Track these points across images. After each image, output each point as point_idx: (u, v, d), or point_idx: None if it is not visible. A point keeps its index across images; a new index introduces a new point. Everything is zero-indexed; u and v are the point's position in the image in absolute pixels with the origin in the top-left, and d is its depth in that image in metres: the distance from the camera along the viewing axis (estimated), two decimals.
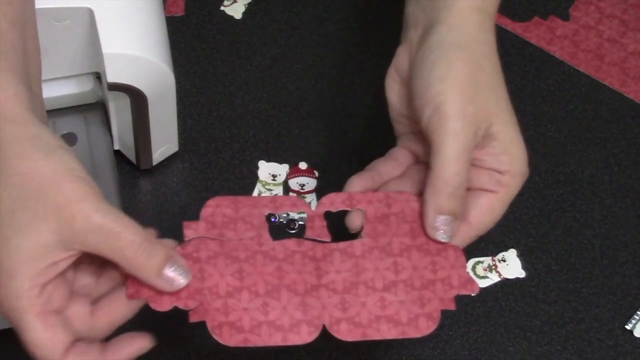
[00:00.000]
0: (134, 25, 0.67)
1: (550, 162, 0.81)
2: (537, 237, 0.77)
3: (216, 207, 0.55)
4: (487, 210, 0.60)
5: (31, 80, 0.53)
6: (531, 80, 0.85)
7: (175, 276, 0.52)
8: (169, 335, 0.71)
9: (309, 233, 0.56)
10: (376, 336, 0.54)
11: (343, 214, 0.58)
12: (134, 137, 0.73)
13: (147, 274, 0.52)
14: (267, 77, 0.83)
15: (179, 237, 0.76)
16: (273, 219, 0.76)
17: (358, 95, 0.83)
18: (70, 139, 0.74)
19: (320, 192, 0.78)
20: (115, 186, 0.72)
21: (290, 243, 0.55)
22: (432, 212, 0.57)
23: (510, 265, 0.76)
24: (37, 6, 0.63)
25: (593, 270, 0.76)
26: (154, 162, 0.77)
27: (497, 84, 0.60)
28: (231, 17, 0.86)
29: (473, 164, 0.59)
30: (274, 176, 0.78)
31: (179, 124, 0.76)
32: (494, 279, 0.75)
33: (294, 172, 0.78)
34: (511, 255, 0.76)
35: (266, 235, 0.55)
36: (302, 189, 0.78)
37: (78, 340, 0.52)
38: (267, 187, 0.78)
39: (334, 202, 0.56)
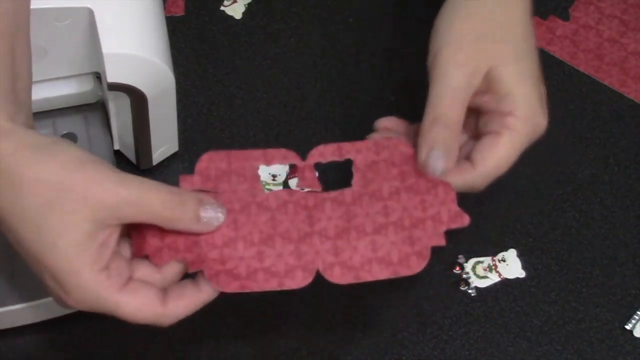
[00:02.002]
0: (134, 25, 0.67)
1: (550, 162, 0.81)
2: (537, 237, 0.77)
3: (210, 161, 0.57)
4: (488, 151, 0.60)
5: (18, 90, 0.53)
6: None
7: (212, 214, 0.54)
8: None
9: (300, 184, 0.57)
10: (369, 277, 0.56)
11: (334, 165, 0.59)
12: (134, 137, 0.73)
13: (187, 223, 0.53)
14: (267, 77, 0.83)
15: None
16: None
17: (358, 95, 0.83)
18: (70, 139, 0.74)
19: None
20: None
21: (283, 193, 0.56)
22: (424, 145, 0.58)
23: (510, 265, 0.76)
24: (37, 6, 0.63)
25: (593, 270, 0.76)
26: (154, 162, 0.77)
27: (507, 31, 0.62)
28: (231, 17, 0.86)
29: (480, 109, 0.60)
30: (274, 176, 0.78)
31: (179, 124, 0.76)
32: (494, 279, 0.75)
33: (294, 172, 0.78)
34: (511, 255, 0.76)
35: (259, 186, 0.56)
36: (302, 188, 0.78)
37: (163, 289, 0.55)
38: (267, 187, 0.78)
39: (324, 153, 0.57)
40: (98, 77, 0.73)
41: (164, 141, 0.76)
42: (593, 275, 0.76)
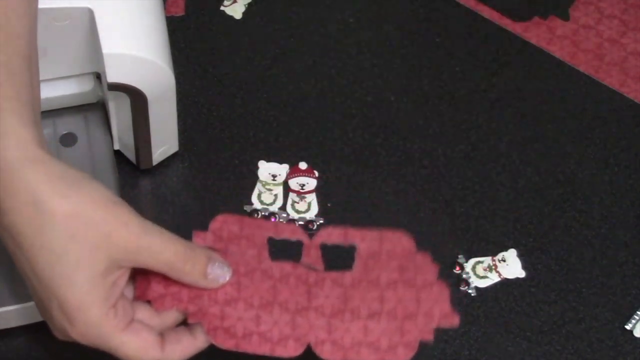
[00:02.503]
0: (134, 25, 0.67)
1: (550, 162, 0.81)
2: (537, 237, 0.77)
3: (223, 223, 0.59)
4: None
5: (36, 112, 0.54)
6: (531, 80, 0.85)
7: (218, 272, 0.56)
8: None
9: (304, 260, 0.59)
10: (356, 359, 0.58)
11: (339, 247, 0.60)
12: (134, 137, 0.73)
13: (194, 277, 0.56)
14: (267, 77, 0.83)
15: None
16: (274, 219, 0.76)
17: (358, 95, 0.83)
18: (70, 139, 0.74)
19: (320, 192, 0.78)
20: (115, 186, 0.72)
21: (287, 266, 0.58)
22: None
23: (510, 265, 0.76)
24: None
25: (593, 270, 0.76)
26: (154, 162, 0.77)
27: None
28: (231, 17, 0.86)
29: None
30: (274, 176, 0.78)
31: (179, 124, 0.76)
32: (494, 279, 0.75)
33: (294, 172, 0.78)
34: (511, 255, 0.76)
35: (266, 254, 0.58)
36: (302, 188, 0.78)
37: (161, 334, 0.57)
38: (267, 187, 0.78)
39: (330, 236, 0.59)
40: (98, 77, 0.73)
41: (164, 141, 0.76)
42: (593, 275, 0.76)
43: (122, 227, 0.52)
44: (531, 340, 0.73)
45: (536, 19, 0.89)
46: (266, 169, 0.78)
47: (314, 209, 0.77)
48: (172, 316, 0.57)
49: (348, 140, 0.81)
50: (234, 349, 0.57)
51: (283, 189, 0.78)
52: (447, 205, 0.78)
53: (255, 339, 0.57)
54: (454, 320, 0.59)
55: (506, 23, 0.88)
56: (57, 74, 0.71)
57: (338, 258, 0.60)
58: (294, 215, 0.77)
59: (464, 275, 0.75)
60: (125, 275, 0.54)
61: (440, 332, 0.73)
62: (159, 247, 0.54)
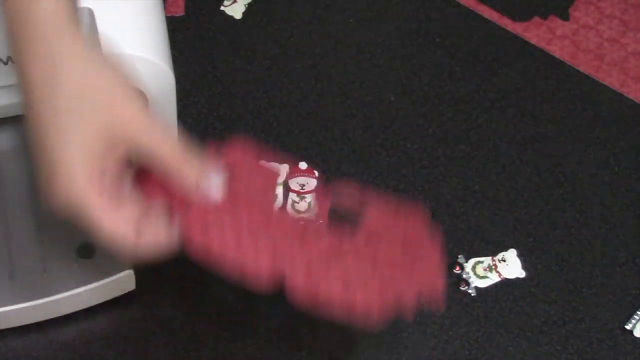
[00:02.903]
0: (134, 25, 0.67)
1: (550, 162, 0.81)
2: (537, 237, 0.77)
3: (243, 149, 0.58)
4: None
5: None
6: (531, 80, 0.85)
7: (211, 186, 0.55)
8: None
9: (311, 209, 0.57)
10: (324, 294, 0.56)
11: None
12: None
13: (188, 181, 0.55)
14: (267, 77, 0.83)
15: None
16: None
17: (358, 95, 0.83)
18: None
19: (320, 192, 0.78)
20: None
21: (290, 213, 0.57)
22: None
23: (510, 265, 0.76)
24: None
25: (593, 270, 0.76)
26: None
27: None
28: (231, 17, 0.86)
29: None
30: None
31: (179, 124, 0.76)
32: (494, 279, 0.75)
33: (294, 172, 0.78)
34: (511, 255, 0.76)
35: (272, 196, 0.57)
36: (302, 189, 0.78)
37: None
38: None
39: (347, 189, 0.59)
40: None
41: None
42: (593, 275, 0.76)
43: (128, 101, 0.53)
44: (531, 340, 0.73)
45: (536, 18, 0.89)
46: None
47: (314, 208, 0.77)
48: (156, 210, 0.56)
49: (348, 140, 0.81)
50: (202, 252, 0.55)
51: (283, 189, 0.78)
52: (447, 205, 0.78)
53: (230, 249, 0.55)
54: (439, 297, 0.57)
55: (506, 23, 0.88)
56: None
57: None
58: (294, 215, 0.77)
59: (464, 275, 0.75)
60: (119, 154, 0.53)
61: (440, 332, 0.73)
62: (158, 136, 0.54)
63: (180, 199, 0.55)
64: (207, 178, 0.55)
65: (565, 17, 0.89)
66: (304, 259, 0.56)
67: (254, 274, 0.55)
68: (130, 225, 0.54)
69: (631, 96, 0.85)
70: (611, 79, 0.86)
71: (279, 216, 0.57)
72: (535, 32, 0.88)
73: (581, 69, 0.86)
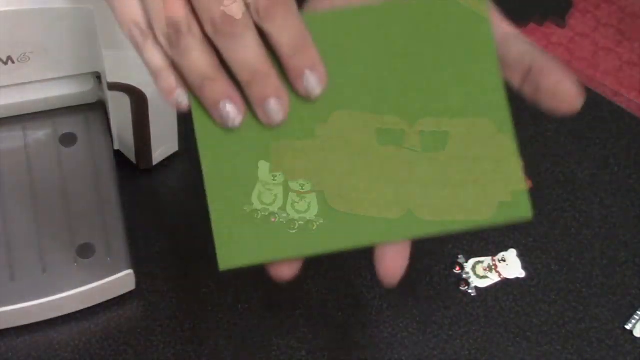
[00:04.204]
0: None
1: (550, 162, 0.81)
2: (537, 237, 0.77)
3: None
4: None
5: None
6: None
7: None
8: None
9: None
10: (449, 219, 0.57)
11: None
12: (134, 137, 0.73)
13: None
14: None
15: (178, 238, 0.76)
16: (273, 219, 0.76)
17: None
18: (70, 139, 0.74)
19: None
20: (115, 186, 0.72)
21: (390, 148, 0.58)
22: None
23: (510, 265, 0.76)
24: (37, 6, 0.63)
25: (593, 270, 0.76)
26: (154, 162, 0.77)
27: None
28: None
29: None
30: (274, 176, 0.78)
31: (179, 124, 0.76)
32: (494, 279, 0.75)
33: None
34: (511, 255, 0.76)
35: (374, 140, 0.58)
36: (302, 189, 0.78)
37: None
38: (267, 187, 0.78)
39: None
40: (98, 77, 0.73)
41: (164, 141, 0.76)
42: (593, 275, 0.76)
43: None
44: (531, 340, 0.73)
45: (532, 25, 0.89)
46: (267, 167, 0.78)
47: (314, 208, 0.77)
48: None
49: None
50: None
51: (283, 189, 0.78)
52: None
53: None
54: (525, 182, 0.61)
55: None
56: (57, 74, 0.71)
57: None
58: (294, 215, 0.77)
59: (464, 275, 0.75)
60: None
61: (440, 332, 0.73)
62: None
63: None
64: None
65: (561, 23, 0.89)
66: (421, 192, 0.58)
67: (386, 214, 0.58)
68: None
69: (624, 106, 0.85)
70: (604, 88, 0.86)
71: (387, 154, 0.59)
72: (530, 38, 0.87)
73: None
